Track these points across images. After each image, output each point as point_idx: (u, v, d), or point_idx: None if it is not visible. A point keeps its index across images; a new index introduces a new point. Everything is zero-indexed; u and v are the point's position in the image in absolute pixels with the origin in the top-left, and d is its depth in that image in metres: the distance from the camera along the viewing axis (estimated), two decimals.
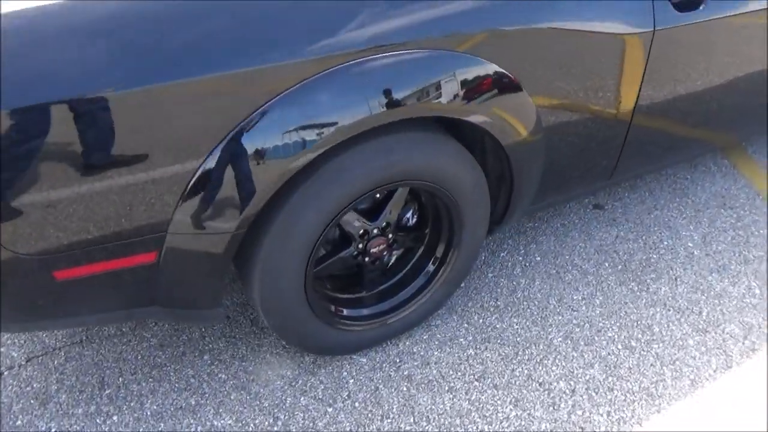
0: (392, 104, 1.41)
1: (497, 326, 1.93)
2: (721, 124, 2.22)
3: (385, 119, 1.44)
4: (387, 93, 1.41)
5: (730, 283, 2.10)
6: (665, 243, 2.28)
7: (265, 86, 1.28)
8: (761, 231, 2.32)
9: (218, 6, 1.24)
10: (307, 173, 1.42)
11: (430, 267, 1.81)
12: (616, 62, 1.72)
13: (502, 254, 2.21)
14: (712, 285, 2.10)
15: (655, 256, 2.21)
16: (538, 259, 2.20)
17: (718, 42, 1.90)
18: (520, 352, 1.85)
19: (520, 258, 2.20)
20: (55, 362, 1.82)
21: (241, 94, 1.27)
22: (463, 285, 2.07)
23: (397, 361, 1.82)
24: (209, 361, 1.82)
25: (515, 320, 1.95)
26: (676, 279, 2.12)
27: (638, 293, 2.06)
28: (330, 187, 1.45)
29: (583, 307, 2.00)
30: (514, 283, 2.09)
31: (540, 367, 1.80)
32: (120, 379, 1.77)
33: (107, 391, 1.73)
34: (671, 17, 1.75)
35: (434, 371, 1.79)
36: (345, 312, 1.72)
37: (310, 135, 1.35)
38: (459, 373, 1.78)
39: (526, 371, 1.79)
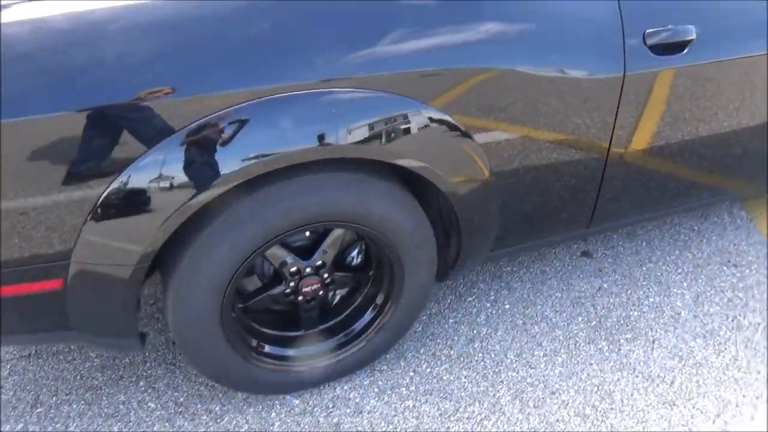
0: (318, 142, 1.36)
1: (444, 378, 1.82)
2: (723, 172, 2.04)
3: (309, 157, 1.39)
4: (312, 130, 1.37)
5: (714, 352, 1.91)
6: (651, 300, 2.10)
7: (178, 115, 1.26)
8: (764, 295, 2.11)
9: (146, 30, 1.24)
10: (221, 207, 1.38)
11: (368, 314, 1.72)
12: (580, 108, 1.61)
13: (469, 299, 2.10)
14: (693, 352, 1.91)
15: (635, 314, 2.04)
16: (507, 307, 2.07)
17: (705, 88, 1.75)
18: (461, 409, 1.73)
19: (488, 305, 2.08)
20: None
21: (151, 121, 1.25)
22: (420, 328, 1.97)
23: (330, 406, 1.73)
24: (143, 388, 1.79)
25: (465, 372, 1.83)
26: (653, 341, 1.95)
27: (607, 354, 1.90)
28: (245, 223, 1.40)
29: (542, 365, 1.86)
30: (475, 331, 1.97)
31: (478, 428, 1.68)
32: (54, 398, 1.77)
33: (38, 410, 1.73)
34: (646, 62, 1.63)
35: (365, 421, 1.69)
36: (266, 349, 1.65)
37: (223, 167, 1.31)
38: (390, 426, 1.68)
39: (462, 431, 1.67)
